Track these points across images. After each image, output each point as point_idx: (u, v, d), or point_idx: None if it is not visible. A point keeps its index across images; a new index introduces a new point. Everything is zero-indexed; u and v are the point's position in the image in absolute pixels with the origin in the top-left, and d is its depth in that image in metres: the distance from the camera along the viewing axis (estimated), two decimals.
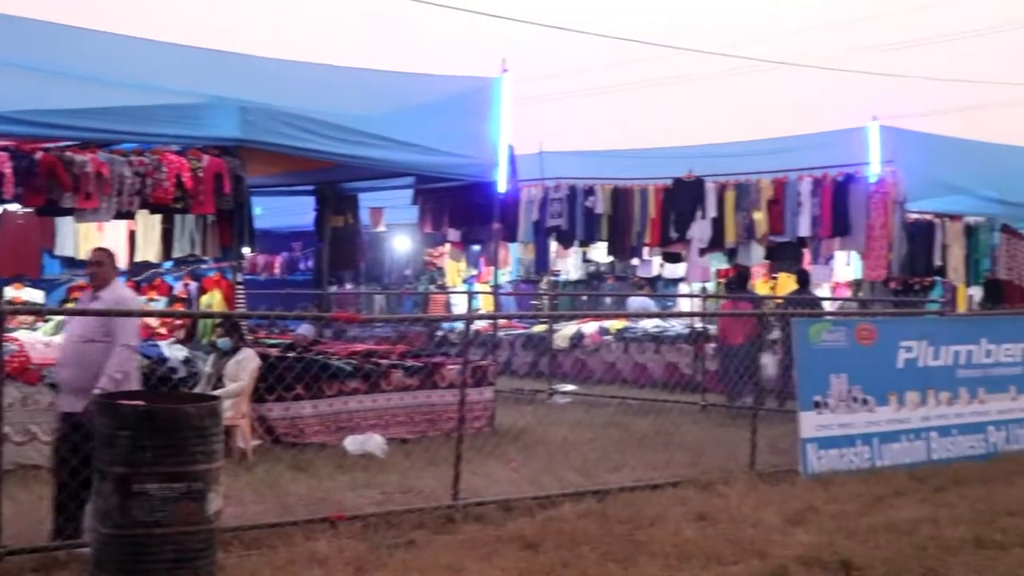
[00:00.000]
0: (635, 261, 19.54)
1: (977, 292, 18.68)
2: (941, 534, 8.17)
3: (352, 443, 11.61)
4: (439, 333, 19.22)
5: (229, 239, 12.39)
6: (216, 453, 6.90)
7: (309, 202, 16.99)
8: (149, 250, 15.13)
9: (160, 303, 13.95)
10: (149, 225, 14.86)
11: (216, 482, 6.87)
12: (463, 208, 15.63)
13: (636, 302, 20.96)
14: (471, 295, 18.79)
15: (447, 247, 20.51)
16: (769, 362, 16.02)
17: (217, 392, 10.36)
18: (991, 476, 10.67)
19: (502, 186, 14.02)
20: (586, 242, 19.22)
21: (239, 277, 12.71)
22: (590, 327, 19.88)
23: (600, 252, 19.86)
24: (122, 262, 14.95)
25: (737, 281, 17.19)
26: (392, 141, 12.98)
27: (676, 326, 19.24)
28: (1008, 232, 18.13)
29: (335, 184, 16.41)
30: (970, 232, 17.61)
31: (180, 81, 12.33)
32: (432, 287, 24.20)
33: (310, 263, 22.13)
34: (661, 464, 10.88)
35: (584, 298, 22.61)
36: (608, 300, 22.87)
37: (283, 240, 23.64)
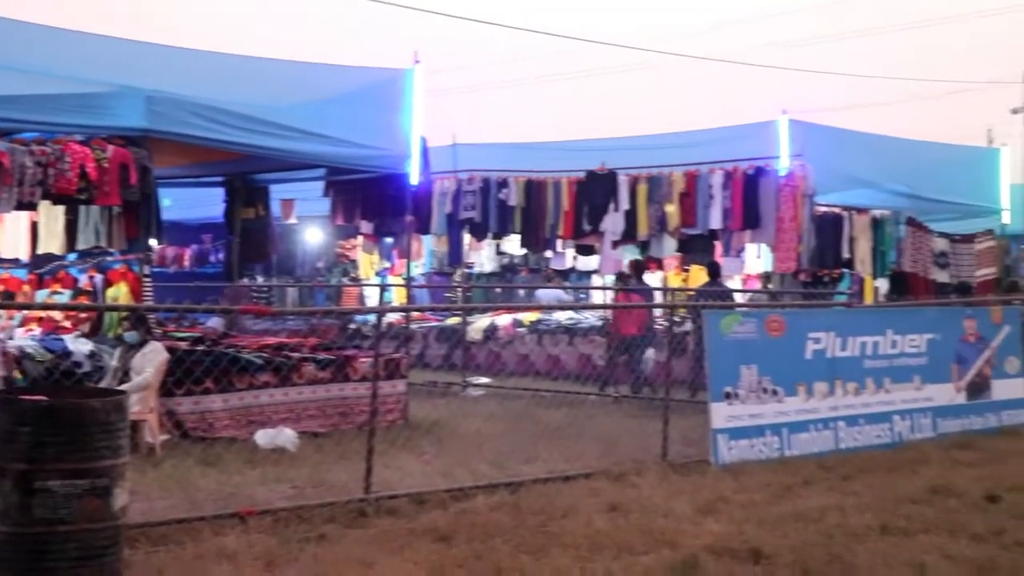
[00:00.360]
0: (548, 253, 19.60)
1: (883, 284, 19.02)
2: (847, 522, 8.28)
3: (263, 437, 11.45)
4: (352, 326, 19.08)
5: (136, 231, 12.16)
6: (122, 448, 6.75)
7: (219, 193, 16.78)
8: (52, 242, 14.75)
9: (64, 296, 13.62)
10: (52, 216, 14.49)
11: (122, 478, 6.72)
12: (375, 200, 15.51)
13: (547, 294, 21.02)
14: (383, 288, 18.66)
15: (360, 239, 20.43)
16: (651, 355, 16.33)
17: (123, 386, 10.17)
18: (896, 464, 10.84)
19: (415, 178, 13.92)
20: (499, 234, 19.25)
21: (146, 269, 12.47)
22: (504, 319, 19.88)
23: (513, 244, 19.91)
24: (24, 254, 14.65)
25: (633, 274, 17.34)
26: (302, 132, 12.82)
27: (589, 318, 19.35)
28: (913, 225, 18.50)
29: (245, 175, 16.20)
30: (877, 225, 17.94)
31: (85, 69, 12.07)
32: (345, 280, 24.01)
33: (221, 255, 21.81)
34: (574, 456, 10.89)
35: (498, 290, 22.60)
36: (522, 292, 22.89)
37: (193, 232, 23.30)
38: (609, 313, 17.96)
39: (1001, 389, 13.54)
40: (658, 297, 18.75)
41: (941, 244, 19.22)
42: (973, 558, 7.33)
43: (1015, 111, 31.26)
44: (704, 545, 7.53)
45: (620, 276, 17.75)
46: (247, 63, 14.36)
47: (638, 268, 17.35)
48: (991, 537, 7.92)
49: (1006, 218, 20.34)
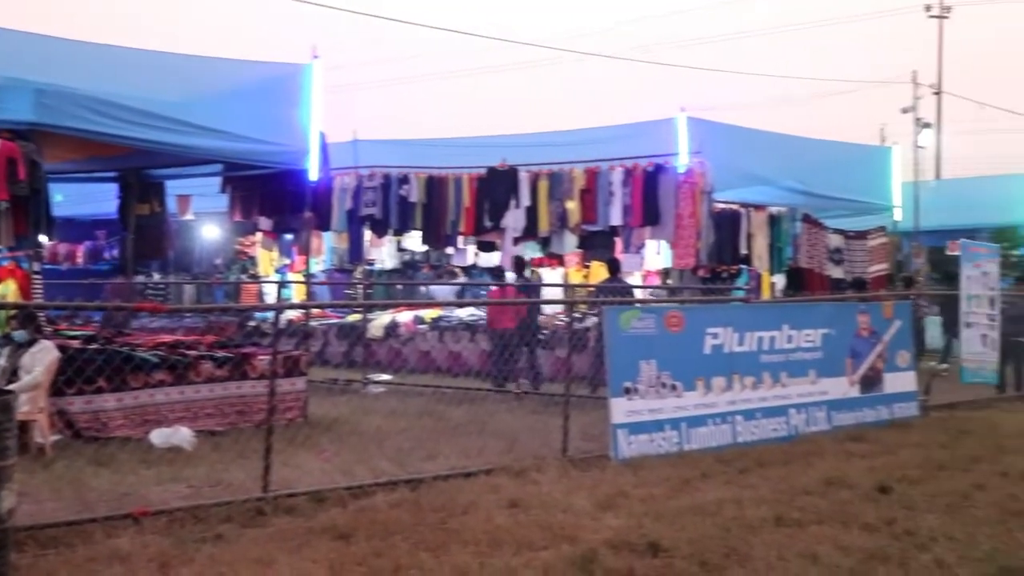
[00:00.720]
0: (450, 250, 19.57)
1: (780, 280, 19.30)
2: (744, 514, 8.39)
3: (158, 436, 11.26)
4: (251, 323, 18.85)
5: (24, 227, 11.83)
6: (8, 449, 6.56)
7: (113, 189, 16.44)
8: None
9: None
10: None
11: (9, 479, 6.54)
12: (274, 196, 15.35)
13: (446, 291, 21.02)
14: (281, 284, 18.45)
15: (259, 236, 20.19)
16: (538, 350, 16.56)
17: (11, 386, 9.89)
18: (792, 457, 11.02)
19: (314, 174, 13.79)
20: (400, 231, 19.17)
21: (36, 266, 12.20)
22: (405, 316, 19.79)
23: (415, 241, 19.84)
24: None
25: (515, 270, 17.46)
26: (198, 127, 12.63)
27: None
28: (809, 222, 18.79)
29: (140, 171, 15.90)
30: (773, 222, 18.19)
31: None
32: (244, 277, 23.71)
33: (115, 252, 21.42)
34: (475, 452, 10.89)
35: (399, 287, 22.50)
36: (423, 289, 22.83)
37: (86, 228, 22.85)
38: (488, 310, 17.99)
39: (893, 382, 13.83)
40: (559, 293, 18.82)
41: (836, 240, 19.54)
42: (864, 547, 7.48)
43: (905, 110, 31.97)
44: (603, 539, 7.58)
45: (495, 272, 18.00)
46: (142, 57, 14.09)
47: (518, 264, 17.45)
48: (882, 527, 8.09)
49: (898, 215, 20.76)
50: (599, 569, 6.94)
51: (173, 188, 17.54)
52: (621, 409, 11.04)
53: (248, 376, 12.84)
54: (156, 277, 22.73)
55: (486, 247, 18.50)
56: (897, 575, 6.89)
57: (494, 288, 18.15)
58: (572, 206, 16.72)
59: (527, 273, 17.97)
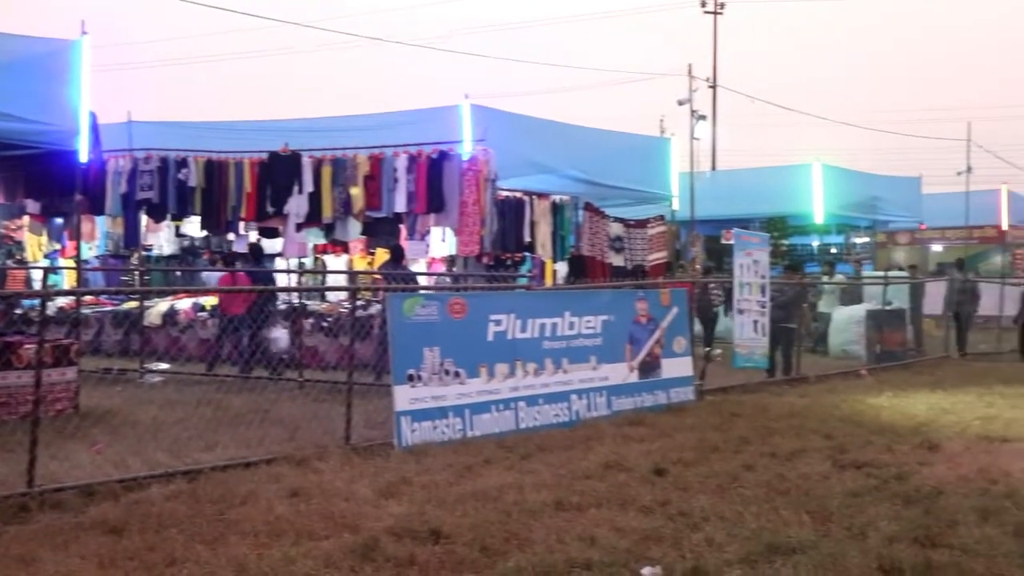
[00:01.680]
0: (231, 236, 19.13)
1: (563, 267, 19.61)
2: (525, 499, 8.46)
3: None
4: (18, 311, 17.97)
5: None
6: None
7: None
8: None
9: None
10: None
11: None
12: (41, 178, 14.67)
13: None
14: (47, 271, 17.62)
15: (26, 219, 19.29)
16: (281, 335, 16.47)
17: None
18: (573, 442, 11.18)
19: (84, 155, 13.18)
20: (179, 216, 18.66)
21: None
22: (184, 303, 19.26)
23: (194, 226, 19.33)
24: None
25: (252, 255, 17.77)
26: None
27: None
28: (591, 210, 19.15)
29: None
30: (556, 210, 18.47)
31: None
32: (9, 262, 22.57)
33: None
34: (255, 441, 10.68)
35: (178, 274, 21.86)
36: (204, 275, 22.25)
37: None
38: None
39: (670, 367, 14.22)
40: (342, 280, 18.64)
41: (617, 229, 19.98)
42: (640, 529, 7.65)
43: (681, 103, 32.83)
44: (385, 527, 7.53)
45: (226, 259, 18.39)
46: None
47: (254, 250, 17.80)
48: (657, 508, 8.28)
49: (676, 205, 21.34)
50: (380, 557, 6.88)
51: None
52: (404, 396, 11.00)
53: (13, 366, 12.20)
54: None
55: (268, 233, 18.17)
56: (670, 554, 7.05)
57: (225, 274, 17.87)
58: (356, 192, 16.57)
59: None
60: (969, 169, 37.75)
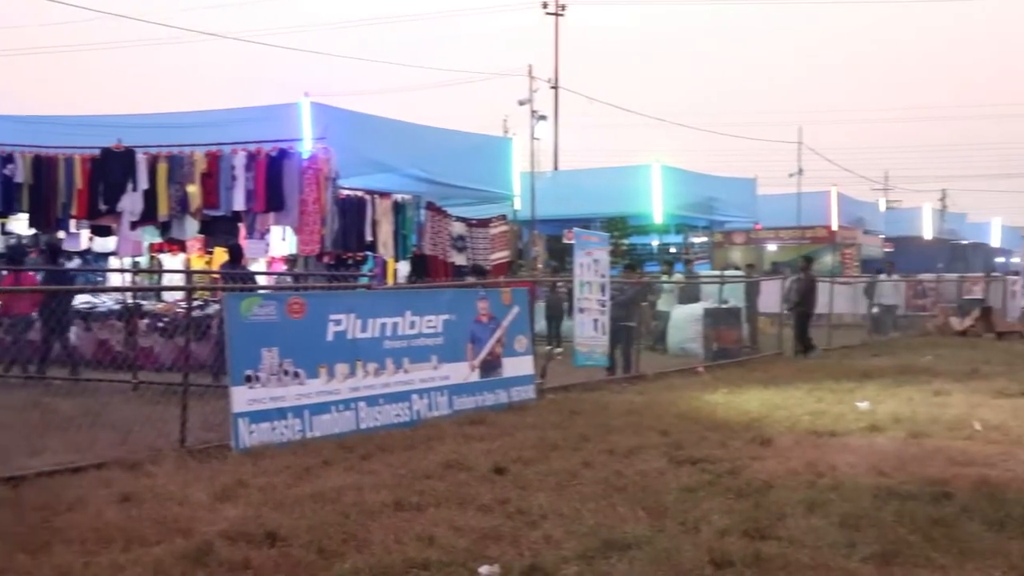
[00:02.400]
0: (61, 234, 18.54)
1: (405, 266, 19.54)
2: (364, 500, 8.40)
3: None
4: None
5: None
6: None
7: None
8: None
9: None
10: None
11: None
12: None
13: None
14: None
15: None
16: (71, 334, 16.19)
17: None
18: (414, 442, 11.14)
19: None
20: (5, 213, 18.02)
21: None
22: None
23: (21, 224, 18.69)
24: None
25: (50, 253, 17.37)
26: None
27: (107, 302, 18.44)
28: (433, 210, 19.13)
29: None
30: (398, 209, 18.38)
31: None
32: None
33: None
34: (85, 446, 10.36)
35: (3, 273, 21.07)
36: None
37: None
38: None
39: (511, 366, 14.30)
40: (178, 280, 18.23)
41: (459, 228, 20.00)
42: (479, 527, 7.65)
43: (522, 103, 33.11)
44: (219, 531, 7.38)
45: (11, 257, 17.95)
46: None
47: (51, 250, 17.39)
48: (497, 507, 8.31)
49: (518, 204, 21.47)
50: (213, 561, 6.74)
51: None
52: (242, 398, 10.81)
53: None
54: None
55: (101, 231, 17.68)
56: (509, 553, 7.08)
57: (6, 274, 17.34)
58: (193, 190, 16.24)
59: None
60: (800, 171, 39.03)
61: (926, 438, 11.63)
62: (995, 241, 54.22)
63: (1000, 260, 52.81)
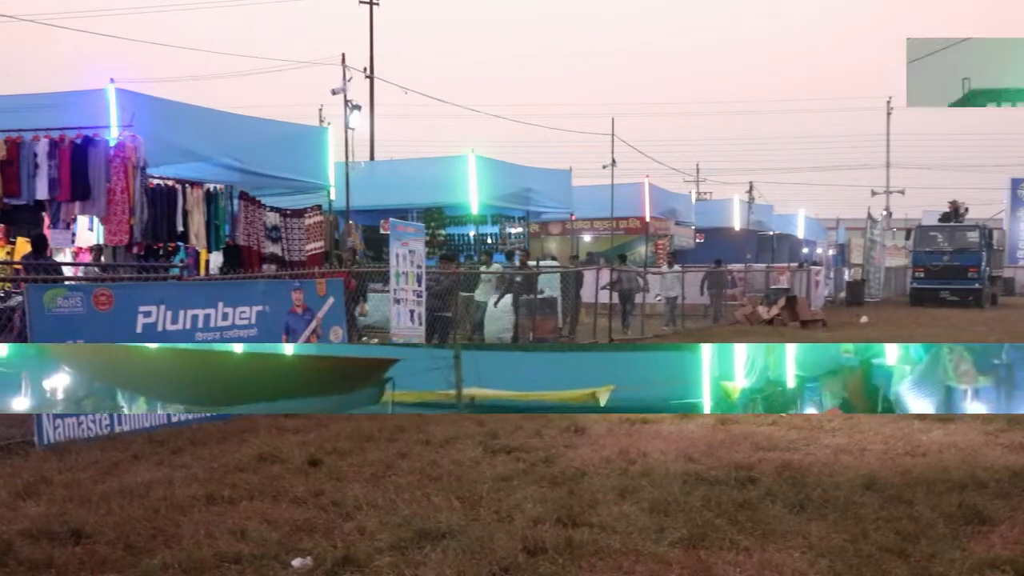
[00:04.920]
0: None
1: (218, 257, 19.18)
2: (174, 494, 8.27)
3: None
4: None
5: None
6: None
7: None
8: None
9: None
10: None
11: None
12: None
13: None
14: None
15: None
16: None
17: None
18: (227, 435, 11.00)
19: None
20: None
21: None
22: None
23: None
24: None
25: None
26: None
27: None
28: (246, 199, 18.81)
29: None
30: (211, 199, 18.02)
31: None
32: None
33: None
34: None
35: None
36: None
37: None
38: None
39: None
40: None
41: (273, 218, 19.72)
42: (292, 520, 7.63)
43: (335, 92, 32.81)
44: (20, 530, 7.19)
45: None
46: None
47: None
48: (311, 499, 8.28)
49: (333, 194, 21.30)
50: (13, 561, 6.55)
51: None
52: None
53: None
54: None
55: None
56: (322, 544, 7.06)
57: None
58: None
59: None
60: (614, 162, 39.65)
61: (734, 424, 12.02)
62: (800, 232, 56.29)
63: (805, 251, 54.88)
